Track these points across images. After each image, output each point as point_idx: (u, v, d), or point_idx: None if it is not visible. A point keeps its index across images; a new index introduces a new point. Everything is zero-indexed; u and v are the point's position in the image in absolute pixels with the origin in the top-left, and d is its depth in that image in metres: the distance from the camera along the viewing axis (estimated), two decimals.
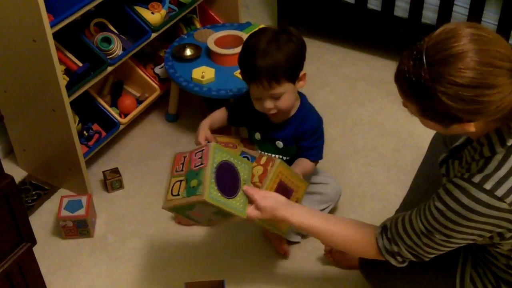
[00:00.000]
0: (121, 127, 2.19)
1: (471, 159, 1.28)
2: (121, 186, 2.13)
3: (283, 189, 1.60)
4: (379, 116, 2.39)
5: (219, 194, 1.40)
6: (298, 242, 1.92)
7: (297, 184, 1.65)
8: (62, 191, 2.11)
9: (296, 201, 1.66)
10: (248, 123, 1.87)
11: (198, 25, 2.53)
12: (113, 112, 2.16)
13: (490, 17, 2.32)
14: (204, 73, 2.13)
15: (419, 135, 2.25)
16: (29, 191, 2.13)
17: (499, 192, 1.20)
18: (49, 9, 1.71)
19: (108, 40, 2.05)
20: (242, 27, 2.35)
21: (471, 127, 1.19)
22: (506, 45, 1.16)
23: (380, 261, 1.44)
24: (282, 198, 1.50)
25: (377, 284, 1.62)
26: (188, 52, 2.24)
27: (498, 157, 1.22)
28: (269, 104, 1.70)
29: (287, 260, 1.89)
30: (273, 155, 1.79)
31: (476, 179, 1.22)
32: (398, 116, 2.37)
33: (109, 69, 2.03)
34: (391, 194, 2.07)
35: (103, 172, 2.12)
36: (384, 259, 1.41)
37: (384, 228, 1.41)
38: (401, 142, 2.27)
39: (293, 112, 1.79)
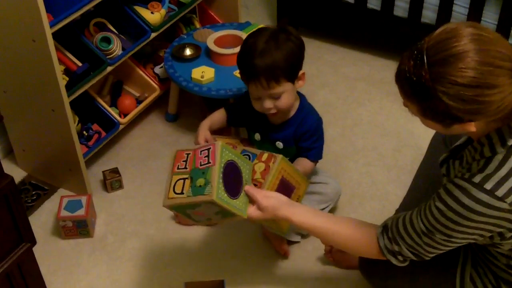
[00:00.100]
0: (121, 127, 2.18)
1: (472, 159, 1.28)
2: (120, 186, 2.13)
3: (285, 186, 1.59)
4: (379, 116, 2.39)
5: (226, 195, 1.39)
6: (298, 242, 1.92)
7: (298, 181, 1.65)
8: (62, 191, 2.11)
9: (298, 199, 1.66)
10: (248, 124, 1.87)
11: (197, 25, 2.53)
12: (113, 112, 2.16)
13: (490, 17, 2.31)
14: (203, 73, 2.13)
15: (419, 135, 2.25)
16: (28, 191, 2.13)
17: (500, 192, 1.20)
18: (48, 9, 1.70)
19: (107, 40, 2.05)
20: (241, 26, 2.35)
21: (472, 127, 1.19)
22: (507, 45, 1.16)
23: (380, 260, 1.45)
24: (283, 198, 1.49)
25: (377, 284, 1.62)
26: (187, 52, 2.24)
27: (499, 157, 1.22)
28: (268, 104, 1.69)
29: (287, 260, 1.88)
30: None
31: (477, 179, 1.22)
32: (398, 116, 2.37)
33: (109, 69, 2.03)
34: (391, 194, 2.07)
35: (103, 172, 2.12)
36: (385, 258, 1.41)
37: (385, 228, 1.41)
38: (401, 142, 2.27)
39: (292, 113, 1.79)
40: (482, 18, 2.32)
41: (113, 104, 2.26)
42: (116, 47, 2.05)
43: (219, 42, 2.23)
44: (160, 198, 2.10)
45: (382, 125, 2.35)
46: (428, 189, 1.60)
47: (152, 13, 2.18)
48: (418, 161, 1.79)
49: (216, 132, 1.85)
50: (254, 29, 1.82)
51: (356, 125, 2.35)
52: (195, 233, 1.97)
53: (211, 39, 2.23)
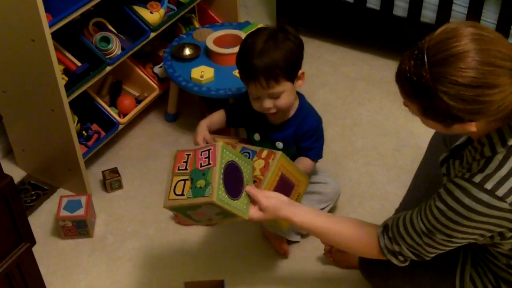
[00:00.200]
0: (120, 127, 2.18)
1: (472, 159, 1.27)
2: (120, 186, 2.12)
3: (285, 183, 1.59)
4: (379, 116, 2.39)
5: (226, 196, 1.39)
6: (298, 242, 1.92)
7: (298, 178, 1.65)
8: (61, 191, 2.11)
9: (298, 196, 1.66)
10: (247, 124, 1.87)
11: (197, 24, 2.53)
12: (112, 112, 2.16)
13: (490, 16, 2.31)
14: (203, 73, 2.13)
15: (419, 135, 2.25)
16: (28, 191, 2.12)
17: (500, 192, 1.20)
18: (47, 9, 1.70)
19: (107, 40, 2.04)
20: (241, 26, 2.35)
21: (473, 127, 1.19)
22: (507, 45, 1.16)
23: (380, 260, 1.44)
24: (284, 198, 1.49)
25: (377, 283, 1.62)
26: (187, 51, 2.24)
27: (499, 157, 1.22)
28: (268, 103, 1.69)
29: (287, 260, 1.88)
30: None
31: (477, 179, 1.22)
32: (398, 115, 2.37)
33: (108, 68, 2.03)
34: (391, 194, 2.07)
35: (103, 172, 2.11)
36: (386, 258, 1.41)
37: (385, 228, 1.40)
38: (400, 141, 2.27)
39: (292, 113, 1.79)
40: (481, 18, 2.32)
41: (113, 104, 2.26)
42: (115, 47, 2.05)
43: (218, 41, 2.23)
44: (160, 198, 2.10)
45: (382, 125, 2.35)
46: (428, 189, 1.60)
47: (151, 13, 2.18)
48: (418, 160, 1.79)
49: (216, 132, 1.85)
50: (253, 29, 1.81)
51: (356, 125, 2.35)
52: (195, 233, 1.97)
53: (210, 38, 2.23)
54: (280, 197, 1.49)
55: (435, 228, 1.28)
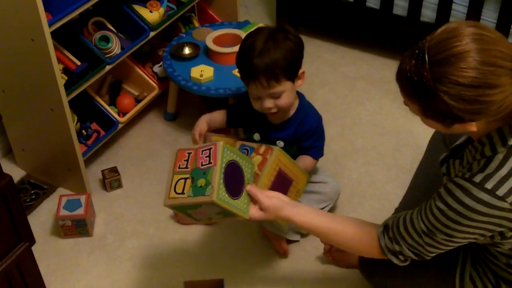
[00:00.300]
0: (120, 126, 2.18)
1: (472, 158, 1.27)
2: (120, 185, 2.12)
3: (283, 178, 1.59)
4: (379, 115, 2.39)
5: (227, 195, 1.38)
6: (297, 241, 1.92)
7: (297, 174, 1.65)
8: (61, 191, 2.11)
9: (297, 192, 1.66)
10: (247, 124, 1.87)
11: (196, 23, 2.53)
12: (112, 111, 2.16)
13: (489, 16, 2.31)
14: (202, 72, 2.13)
15: (419, 134, 2.25)
16: (27, 190, 2.12)
17: (500, 192, 1.20)
18: (47, 8, 1.70)
19: (106, 39, 2.04)
20: (240, 25, 2.35)
21: (473, 127, 1.19)
22: (508, 45, 1.16)
23: (379, 260, 1.44)
24: (285, 198, 1.49)
25: (377, 283, 1.62)
26: (186, 50, 2.24)
27: (499, 156, 1.22)
28: (268, 103, 1.69)
29: (287, 259, 1.88)
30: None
31: (477, 178, 1.22)
32: (398, 115, 2.37)
33: (108, 68, 2.03)
34: (391, 193, 2.07)
35: (102, 171, 2.11)
36: (386, 258, 1.41)
37: (385, 227, 1.40)
38: (400, 141, 2.27)
39: (292, 113, 1.79)
40: (481, 17, 2.32)
41: (112, 103, 2.26)
42: (115, 46, 2.05)
43: (218, 41, 2.23)
44: (160, 198, 2.09)
45: (382, 124, 2.35)
46: (427, 188, 1.60)
47: (151, 12, 2.18)
48: (418, 160, 1.78)
49: (216, 131, 1.85)
50: (253, 29, 1.81)
51: (356, 124, 2.35)
52: (195, 232, 1.97)
53: (210, 38, 2.23)
54: (281, 197, 1.48)
55: (436, 227, 1.28)
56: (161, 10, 2.21)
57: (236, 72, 2.14)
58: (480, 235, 1.27)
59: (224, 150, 1.42)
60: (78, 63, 1.97)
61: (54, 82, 1.79)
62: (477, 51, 1.13)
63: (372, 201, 2.06)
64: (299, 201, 1.82)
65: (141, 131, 2.36)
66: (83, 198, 1.95)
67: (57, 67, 1.78)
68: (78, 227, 1.93)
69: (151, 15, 2.17)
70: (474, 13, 2.31)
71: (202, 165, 1.40)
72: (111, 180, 2.09)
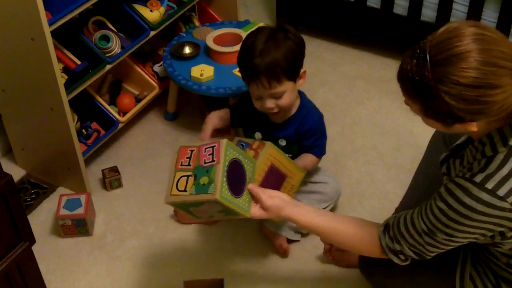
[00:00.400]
0: (120, 125, 2.18)
1: (473, 158, 1.27)
2: (120, 185, 2.12)
3: (275, 174, 1.59)
4: (378, 115, 2.38)
5: (229, 194, 1.38)
6: (298, 241, 1.92)
7: (291, 170, 1.65)
8: (61, 190, 2.11)
9: (292, 188, 1.66)
10: (249, 123, 1.86)
11: (196, 23, 2.53)
12: (112, 111, 2.16)
13: (490, 15, 2.31)
14: (203, 71, 2.13)
15: (419, 134, 2.25)
16: (27, 190, 2.12)
17: (501, 192, 1.20)
18: (47, 7, 1.70)
19: (106, 38, 2.04)
20: (241, 25, 2.35)
21: (474, 127, 1.19)
22: (509, 45, 1.16)
23: (379, 259, 1.44)
24: (286, 197, 1.49)
25: (377, 282, 1.62)
26: (187, 50, 2.24)
27: (500, 156, 1.22)
28: (270, 103, 1.69)
29: (287, 259, 1.88)
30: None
31: (478, 178, 1.22)
32: (398, 114, 2.37)
33: (108, 67, 2.03)
34: (391, 193, 2.07)
35: (102, 170, 2.11)
36: (387, 257, 1.41)
37: (386, 227, 1.40)
38: (400, 140, 2.27)
39: (293, 112, 1.79)
40: (482, 17, 2.32)
41: (112, 102, 2.26)
42: (115, 46, 2.05)
43: (218, 40, 2.22)
44: (160, 197, 2.09)
45: (381, 124, 2.34)
46: (428, 188, 1.60)
47: (151, 11, 2.18)
48: (418, 160, 1.78)
49: (217, 131, 1.85)
50: (253, 29, 1.81)
51: (355, 124, 2.35)
52: (195, 232, 1.97)
53: (210, 37, 2.23)
54: (283, 197, 1.48)
55: (436, 227, 1.28)
56: (162, 9, 2.21)
57: (236, 71, 2.14)
58: (480, 235, 1.27)
59: (228, 148, 1.41)
60: (78, 62, 1.97)
61: (54, 82, 1.79)
62: (478, 51, 1.12)
63: (372, 201, 2.05)
64: (298, 199, 1.83)
65: (141, 130, 2.36)
66: (83, 198, 1.95)
67: (57, 67, 1.78)
68: (78, 227, 1.93)
69: (152, 14, 2.17)
70: (474, 12, 2.31)
71: (205, 162, 1.40)
72: (111, 179, 2.09)
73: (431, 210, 1.28)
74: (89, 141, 2.11)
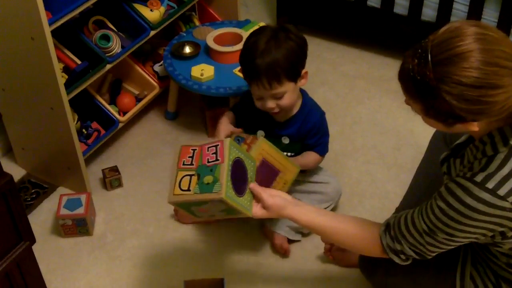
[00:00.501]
0: (120, 125, 2.18)
1: (473, 157, 1.27)
2: (120, 185, 2.12)
3: (267, 168, 1.59)
4: (379, 114, 2.38)
5: (234, 193, 1.38)
6: (298, 241, 1.91)
7: (285, 165, 1.65)
8: (61, 190, 2.11)
9: (285, 183, 1.66)
10: (251, 122, 1.86)
11: (197, 22, 2.53)
12: (112, 110, 2.16)
13: (490, 15, 2.31)
14: (203, 71, 2.12)
15: (419, 133, 2.24)
16: (28, 189, 2.12)
17: (502, 191, 1.20)
18: (47, 7, 1.70)
19: (106, 38, 2.04)
20: (241, 24, 2.35)
21: (475, 127, 1.19)
22: (511, 45, 1.15)
23: (380, 259, 1.44)
24: (288, 197, 1.49)
25: (377, 282, 1.62)
26: (187, 49, 2.24)
27: (501, 156, 1.22)
28: (270, 103, 1.70)
29: (287, 258, 1.88)
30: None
31: (479, 178, 1.21)
32: (398, 114, 2.37)
33: (108, 66, 2.03)
34: (391, 193, 2.07)
35: (102, 170, 2.11)
36: (388, 257, 1.40)
37: (387, 226, 1.40)
38: (400, 140, 2.27)
39: (295, 110, 1.79)
40: (482, 16, 2.32)
41: (113, 102, 2.26)
42: (115, 45, 2.05)
43: (218, 40, 2.22)
44: (160, 197, 2.10)
45: (382, 123, 2.34)
46: (428, 188, 1.60)
47: (151, 10, 2.17)
48: (418, 159, 1.78)
49: None
50: (253, 28, 1.81)
51: (356, 123, 2.35)
52: (195, 231, 1.97)
53: (210, 37, 2.23)
54: (284, 196, 1.49)
55: (437, 227, 1.28)
56: (162, 9, 2.21)
57: (236, 71, 2.14)
58: (481, 235, 1.27)
59: (231, 147, 1.41)
60: (79, 62, 1.97)
61: (54, 81, 1.79)
62: (480, 51, 1.12)
63: (372, 200, 2.05)
64: (299, 199, 1.83)
65: (142, 130, 2.36)
66: (83, 197, 1.95)
67: (57, 66, 1.77)
68: (79, 226, 1.93)
69: (152, 14, 2.17)
70: (475, 12, 2.31)
71: (208, 162, 1.39)
72: (111, 179, 2.09)
73: (432, 209, 1.28)
74: (89, 141, 2.11)
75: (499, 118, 1.18)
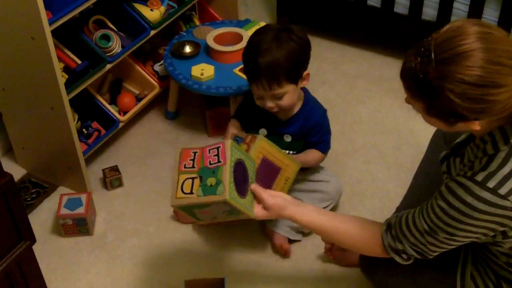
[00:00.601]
0: (121, 124, 2.18)
1: (474, 156, 1.27)
2: (120, 184, 2.12)
3: (268, 166, 1.59)
4: (379, 114, 2.38)
5: (237, 194, 1.38)
6: (299, 241, 1.91)
7: (285, 163, 1.65)
8: (62, 189, 2.11)
9: (287, 180, 1.67)
10: (254, 120, 1.86)
11: (197, 22, 2.53)
12: (112, 110, 2.16)
13: (491, 14, 2.31)
14: (203, 71, 2.12)
15: (419, 133, 2.24)
16: (28, 189, 2.12)
17: (503, 190, 1.20)
18: (47, 6, 1.70)
19: (107, 38, 2.04)
20: (241, 24, 2.35)
21: (476, 126, 1.19)
22: None
23: (380, 258, 1.44)
24: (288, 197, 1.49)
25: (378, 281, 1.62)
26: (187, 49, 2.24)
27: (502, 154, 1.22)
28: (270, 103, 1.71)
29: (287, 258, 1.88)
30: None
31: (479, 177, 1.21)
32: (398, 113, 2.36)
33: (108, 66, 2.03)
34: (391, 192, 2.07)
35: (103, 170, 2.11)
36: (390, 256, 1.40)
37: (388, 226, 1.40)
38: (401, 139, 2.27)
39: (297, 108, 1.80)
40: (482, 15, 2.32)
41: (113, 101, 2.25)
42: (115, 45, 2.04)
43: (218, 39, 2.22)
44: (160, 196, 2.10)
45: (382, 123, 2.34)
46: (428, 187, 1.59)
47: (151, 10, 2.17)
48: (418, 159, 1.78)
49: None
50: (257, 27, 1.82)
51: (356, 123, 2.35)
52: (195, 231, 1.97)
53: (210, 36, 2.23)
54: (284, 196, 1.49)
55: (438, 226, 1.28)
56: (162, 8, 2.21)
57: (236, 70, 2.14)
58: (482, 234, 1.27)
59: (233, 148, 1.41)
60: (79, 61, 1.97)
61: (54, 81, 1.79)
62: (483, 50, 1.12)
63: (372, 200, 2.05)
64: (299, 198, 1.83)
65: (142, 129, 2.36)
66: (83, 197, 1.95)
67: (58, 66, 1.77)
68: (79, 226, 1.93)
69: (152, 13, 2.17)
70: (475, 11, 2.31)
71: (210, 164, 1.39)
72: (111, 178, 2.09)
73: (432, 209, 1.28)
74: (90, 141, 2.11)
75: (501, 117, 1.18)
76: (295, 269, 1.86)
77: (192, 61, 2.20)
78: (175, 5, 2.31)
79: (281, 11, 2.75)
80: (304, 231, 1.89)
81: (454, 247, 1.33)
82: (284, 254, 1.87)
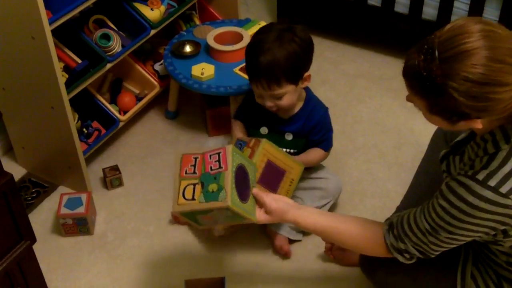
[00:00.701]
0: (121, 124, 2.18)
1: (475, 155, 1.27)
2: (120, 184, 2.12)
3: (273, 169, 1.59)
4: (379, 113, 2.38)
5: (239, 200, 1.37)
6: (299, 240, 1.91)
7: (289, 165, 1.65)
8: (62, 189, 2.11)
9: (291, 182, 1.67)
10: (255, 118, 1.86)
11: (197, 21, 2.52)
12: (113, 109, 2.16)
13: (491, 13, 2.31)
14: (203, 70, 2.12)
15: (420, 132, 2.24)
16: (28, 188, 2.12)
17: (504, 189, 1.20)
18: (47, 6, 1.70)
19: (107, 37, 2.04)
20: (241, 23, 2.35)
21: (479, 124, 1.19)
22: None
23: (380, 258, 1.44)
24: (290, 201, 1.49)
25: (378, 281, 1.62)
26: (187, 48, 2.24)
27: (503, 153, 1.21)
28: (269, 103, 1.71)
29: (287, 258, 1.88)
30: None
31: (480, 176, 1.21)
32: (399, 113, 2.36)
33: (108, 66, 2.03)
34: (392, 191, 2.07)
35: (103, 169, 2.11)
36: (392, 256, 1.40)
37: (390, 226, 1.40)
38: (401, 139, 2.27)
39: (299, 107, 1.81)
40: (483, 15, 2.32)
41: (113, 101, 2.25)
42: (115, 44, 2.04)
43: (219, 38, 2.22)
44: (161, 196, 2.10)
45: (382, 122, 2.34)
46: (429, 187, 1.59)
47: (151, 9, 2.17)
48: (419, 158, 1.78)
49: None
50: (266, 24, 1.82)
51: (356, 122, 2.35)
52: (196, 231, 1.97)
53: (211, 35, 2.22)
54: (286, 200, 1.48)
55: (439, 226, 1.27)
56: (162, 8, 2.21)
57: (237, 70, 2.14)
58: (483, 233, 1.27)
59: (234, 153, 1.40)
60: (79, 61, 1.96)
61: (54, 80, 1.79)
62: (486, 48, 1.12)
63: (373, 199, 2.05)
64: (299, 195, 1.83)
65: (142, 129, 2.36)
66: (84, 197, 1.95)
67: (58, 65, 1.77)
68: (79, 226, 1.93)
69: (152, 13, 2.17)
70: (475, 10, 2.31)
71: (211, 169, 1.38)
72: (112, 178, 2.09)
73: (434, 208, 1.28)
74: (90, 140, 2.11)
75: (502, 116, 1.18)
76: (295, 268, 1.86)
77: (192, 60, 2.20)
78: (175, 4, 2.31)
79: (281, 10, 2.74)
80: (305, 230, 1.89)
81: (456, 246, 1.33)
82: (284, 255, 1.87)
